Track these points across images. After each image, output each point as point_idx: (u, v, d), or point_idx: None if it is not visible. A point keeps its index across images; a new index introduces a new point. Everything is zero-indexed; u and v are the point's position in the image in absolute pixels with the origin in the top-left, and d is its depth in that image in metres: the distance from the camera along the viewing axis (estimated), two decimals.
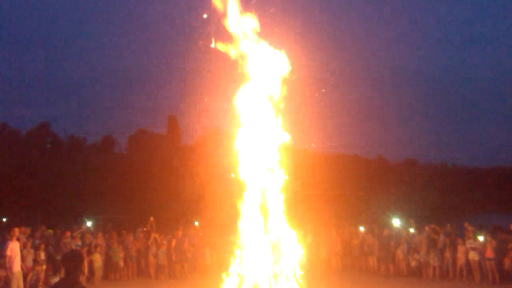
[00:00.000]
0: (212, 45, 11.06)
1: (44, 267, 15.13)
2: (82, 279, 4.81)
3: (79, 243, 16.86)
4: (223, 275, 12.21)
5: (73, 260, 4.50)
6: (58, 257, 15.69)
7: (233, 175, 11.40)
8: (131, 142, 50.62)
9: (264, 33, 11.14)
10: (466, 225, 16.64)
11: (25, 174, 37.45)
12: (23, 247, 14.96)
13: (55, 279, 13.38)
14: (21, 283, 13.57)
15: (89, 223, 23.00)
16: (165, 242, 18.03)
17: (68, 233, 17.18)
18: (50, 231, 17.95)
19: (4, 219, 28.17)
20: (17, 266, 13.39)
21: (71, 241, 16.57)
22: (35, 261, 15.01)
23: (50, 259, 15.53)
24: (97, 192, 39.78)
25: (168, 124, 50.80)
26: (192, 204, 28.45)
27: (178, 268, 17.78)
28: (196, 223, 22.29)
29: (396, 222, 20.62)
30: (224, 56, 11.52)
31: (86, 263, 15.47)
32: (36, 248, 15.42)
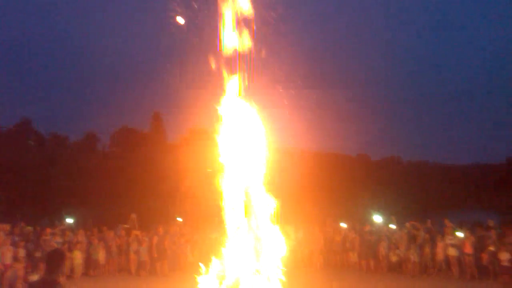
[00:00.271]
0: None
1: (23, 264, 14.97)
2: (62, 278, 4.72)
3: (60, 240, 16.72)
4: (204, 272, 12.22)
5: (54, 259, 4.46)
6: (38, 254, 15.55)
7: (209, 170, 11.42)
8: (114, 139, 50.21)
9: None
10: (445, 221, 16.90)
11: (5, 171, 36.95)
12: (2, 244, 14.80)
13: (35, 277, 13.25)
14: None
15: (70, 220, 22.80)
16: (146, 239, 17.96)
17: (49, 230, 17.04)
18: (30, 228, 17.76)
19: None
20: None
21: (52, 238, 16.42)
22: (14, 258, 14.85)
23: (29, 256, 15.37)
24: (79, 189, 39.45)
25: (152, 121, 50.51)
26: (175, 201, 28.42)
27: (159, 265, 17.73)
28: (179, 219, 22.22)
29: (378, 218, 20.81)
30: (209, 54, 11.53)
31: (67, 263, 15.35)
32: (15, 245, 15.25)
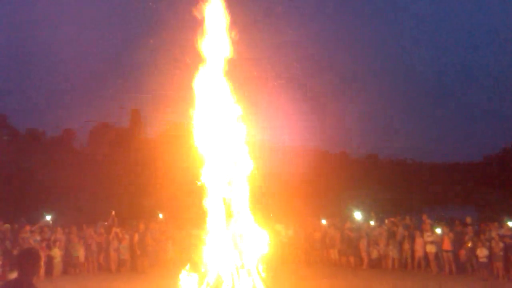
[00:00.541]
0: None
1: (0, 262, 14.70)
2: (36, 279, 4.55)
3: (38, 238, 16.45)
4: (185, 269, 12.18)
5: (28, 259, 4.26)
6: (16, 252, 15.28)
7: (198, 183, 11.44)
8: (92, 135, 49.59)
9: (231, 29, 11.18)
10: (424, 217, 17.11)
11: None
12: None
13: (13, 275, 13.01)
14: None
15: (48, 217, 22.44)
16: (126, 236, 17.79)
17: (28, 227, 16.74)
18: (7, 225, 17.41)
19: None
20: None
21: (30, 236, 16.14)
22: None
23: (6, 254, 15.09)
24: (57, 186, 38.87)
25: (131, 117, 49.99)
26: (156, 198, 28.23)
27: (139, 263, 17.60)
28: (161, 216, 22.05)
29: (358, 215, 20.99)
30: (188, 48, 11.47)
31: (42, 263, 15.10)
32: None
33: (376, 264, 17.12)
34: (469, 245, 15.18)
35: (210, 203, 11.53)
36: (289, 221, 19.62)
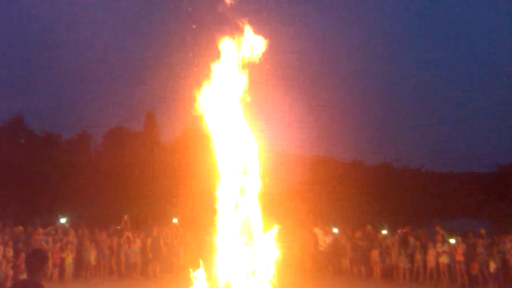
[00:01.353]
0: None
1: (11, 264, 14.90)
2: (45, 280, 4.60)
3: (50, 240, 16.60)
4: (196, 274, 12.20)
5: (36, 260, 4.30)
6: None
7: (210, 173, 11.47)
8: (107, 138, 50.01)
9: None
10: (437, 228, 16.93)
11: None
12: None
13: (25, 276, 13.18)
14: None
15: (63, 220, 22.66)
16: (138, 240, 17.89)
17: (41, 230, 16.91)
18: (21, 227, 17.62)
19: None
20: None
21: (43, 238, 16.31)
22: (4, 257, 14.78)
23: (18, 256, 15.28)
24: (72, 189, 39.26)
25: (145, 120, 50.33)
26: (169, 202, 28.33)
27: (150, 267, 17.69)
28: (175, 220, 22.06)
29: (370, 224, 20.83)
30: (202, 52, 11.58)
31: (50, 264, 15.23)
32: (4, 245, 15.18)
33: (388, 274, 16.97)
34: (481, 257, 14.97)
35: (223, 209, 11.58)
36: (291, 227, 19.55)
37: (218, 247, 11.55)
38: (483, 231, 16.58)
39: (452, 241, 16.00)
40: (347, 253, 17.97)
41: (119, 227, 19.73)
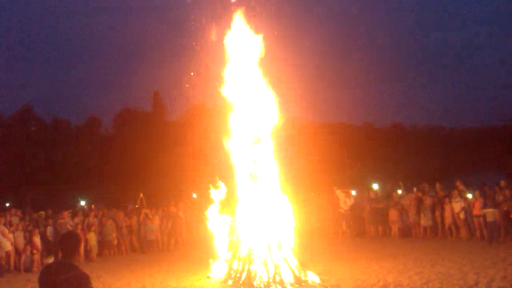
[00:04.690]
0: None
1: (38, 248, 15.15)
2: (77, 260, 4.73)
3: (73, 223, 16.85)
4: (216, 247, 12.35)
5: (70, 241, 4.39)
6: (52, 238, 15.72)
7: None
8: (117, 121, 50.19)
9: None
10: (457, 183, 16.69)
11: (11, 158, 37.13)
12: (15, 230, 14.98)
13: (50, 259, 13.41)
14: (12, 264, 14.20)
15: (82, 203, 23.02)
16: (156, 217, 18.09)
17: (66, 213, 17.16)
18: (42, 212, 17.89)
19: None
20: (5, 247, 14.15)
21: (68, 221, 16.56)
22: (28, 242, 15.03)
23: (43, 240, 15.53)
24: (87, 172, 39.71)
25: (153, 100, 50.38)
26: (184, 178, 28.51)
27: (172, 242, 17.94)
28: (194, 195, 22.16)
29: (385, 185, 20.84)
30: (208, 32, 11.53)
31: (82, 245, 15.49)
32: (28, 230, 15.42)
33: (407, 233, 16.99)
34: (504, 208, 14.79)
35: (239, 180, 11.63)
36: (308, 193, 19.58)
37: (237, 219, 11.65)
38: (503, 183, 16.36)
39: (470, 195, 15.85)
40: (366, 214, 18.00)
41: (136, 205, 19.94)
